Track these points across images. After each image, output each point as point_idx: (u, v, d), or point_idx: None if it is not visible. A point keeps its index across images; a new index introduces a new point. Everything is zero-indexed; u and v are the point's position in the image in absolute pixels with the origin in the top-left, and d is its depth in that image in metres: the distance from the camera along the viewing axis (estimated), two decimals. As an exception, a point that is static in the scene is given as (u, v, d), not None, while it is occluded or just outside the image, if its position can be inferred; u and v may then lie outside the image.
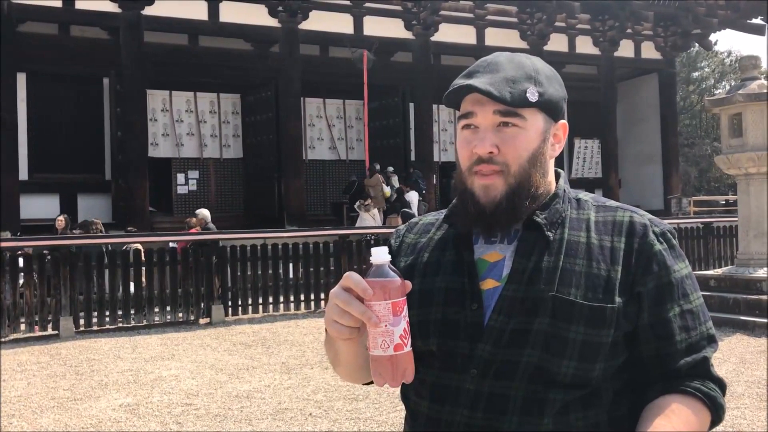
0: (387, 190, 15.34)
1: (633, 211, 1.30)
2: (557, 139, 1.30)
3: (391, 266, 1.14)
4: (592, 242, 1.25)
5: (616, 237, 1.26)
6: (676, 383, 1.22)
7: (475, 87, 1.21)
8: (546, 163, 1.29)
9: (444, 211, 1.40)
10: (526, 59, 1.28)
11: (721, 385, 1.26)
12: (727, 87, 13.76)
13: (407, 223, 1.46)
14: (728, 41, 61.47)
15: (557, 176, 1.35)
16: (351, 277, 1.12)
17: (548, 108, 1.26)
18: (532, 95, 1.22)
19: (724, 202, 24.07)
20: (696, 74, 36.28)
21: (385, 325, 1.10)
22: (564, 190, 1.32)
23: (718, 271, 9.99)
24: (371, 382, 1.40)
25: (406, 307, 1.12)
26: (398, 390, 1.38)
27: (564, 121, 1.31)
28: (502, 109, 1.22)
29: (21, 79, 14.04)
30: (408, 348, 1.13)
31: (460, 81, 1.25)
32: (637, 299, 1.22)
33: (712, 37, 19.70)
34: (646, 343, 1.23)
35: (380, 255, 1.13)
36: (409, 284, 1.15)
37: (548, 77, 1.27)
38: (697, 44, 20.81)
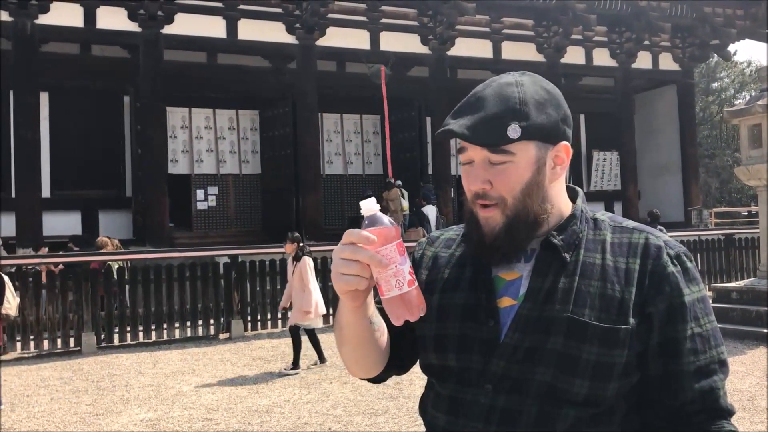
0: (404, 203, 15.36)
1: (649, 233, 1.30)
2: (560, 161, 1.29)
3: (381, 213, 1.19)
4: (608, 264, 1.26)
5: (631, 258, 1.26)
6: (686, 426, 1.22)
7: (453, 132, 1.23)
8: (544, 190, 1.27)
9: (464, 226, 1.41)
10: (515, 89, 1.25)
11: (730, 414, 1.25)
12: (747, 97, 13.62)
13: (428, 237, 1.48)
14: (748, 51, 61.03)
15: (575, 195, 1.35)
16: (352, 233, 1.17)
17: (540, 136, 1.25)
18: (514, 132, 1.21)
19: (746, 214, 23.82)
20: (715, 85, 36.02)
21: (395, 266, 1.15)
22: (581, 211, 1.32)
23: (740, 284, 9.87)
24: (377, 378, 1.42)
25: (405, 249, 1.18)
26: (417, 405, 1.39)
27: (566, 143, 1.29)
28: (488, 147, 1.24)
29: (44, 97, 14.26)
30: (417, 283, 1.18)
31: (446, 120, 1.27)
32: (648, 320, 1.23)
33: (731, 48, 19.59)
34: (655, 363, 1.23)
35: (370, 205, 1.19)
36: (400, 228, 1.19)
37: (539, 104, 1.25)
38: (715, 55, 20.67)
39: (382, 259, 1.14)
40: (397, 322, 1.19)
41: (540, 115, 1.24)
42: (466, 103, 1.27)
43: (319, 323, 8.38)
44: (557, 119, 1.27)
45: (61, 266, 10.48)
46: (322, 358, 8.31)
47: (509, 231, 1.25)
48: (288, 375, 7.73)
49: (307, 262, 8.25)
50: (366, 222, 1.18)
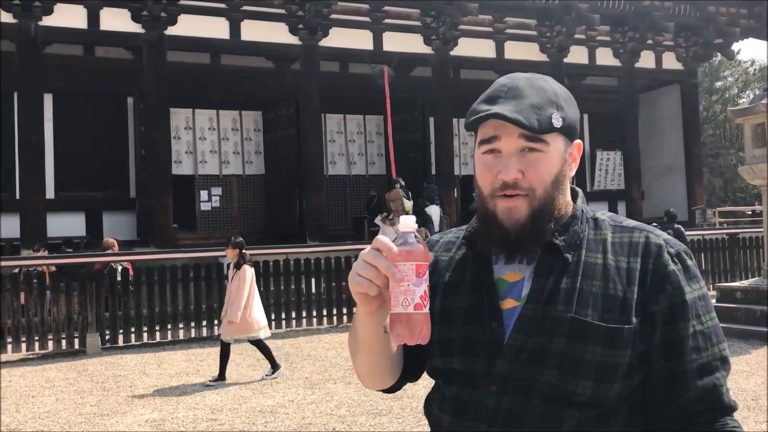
0: (408, 204, 15.35)
1: (649, 232, 1.31)
2: (573, 158, 1.32)
3: (417, 234, 1.20)
4: (609, 263, 1.26)
5: (632, 258, 1.27)
6: (690, 424, 1.22)
7: (503, 115, 1.22)
8: (567, 183, 1.31)
9: (464, 229, 1.41)
10: (543, 83, 1.29)
11: (733, 410, 1.26)
12: (751, 96, 13.58)
13: (427, 240, 1.48)
14: (752, 50, 60.84)
15: (575, 195, 1.36)
16: (379, 239, 1.18)
17: (568, 131, 1.28)
18: (557, 121, 1.24)
19: (750, 213, 23.74)
20: (719, 84, 35.95)
21: (408, 284, 1.16)
22: (582, 211, 1.33)
23: (745, 283, 9.86)
24: (391, 389, 1.43)
25: (427, 273, 1.18)
26: (421, 405, 1.40)
27: (579, 141, 1.32)
28: (528, 135, 1.23)
29: (47, 99, 14.29)
30: (426, 310, 1.17)
31: (482, 107, 1.26)
32: (650, 319, 1.23)
33: (735, 47, 19.50)
34: (657, 362, 1.24)
35: (408, 223, 1.20)
36: (431, 255, 1.20)
37: (566, 100, 1.29)
38: (719, 54, 20.62)
39: (396, 272, 1.15)
40: (395, 341, 1.19)
41: (569, 110, 1.28)
42: (498, 91, 1.27)
43: (263, 333, 7.83)
44: (578, 117, 1.31)
45: (53, 267, 10.48)
46: (222, 376, 7.55)
47: (535, 222, 1.25)
48: (269, 379, 7.42)
49: (247, 271, 7.70)
50: (399, 236, 1.19)
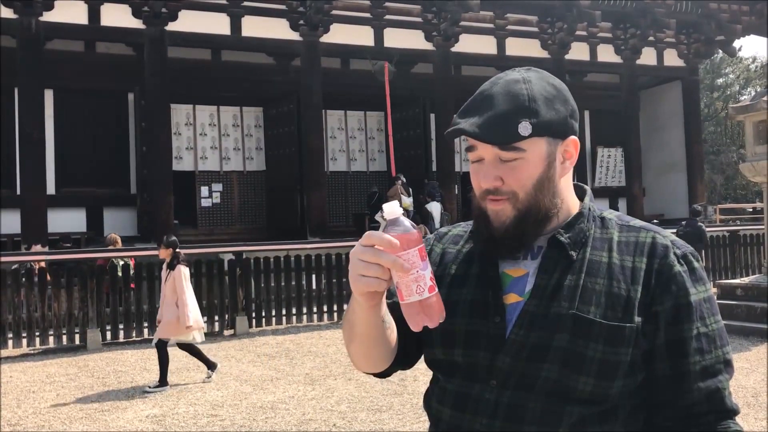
0: (408, 201, 15.34)
1: (656, 232, 1.31)
2: (568, 155, 1.30)
3: (404, 217, 1.17)
4: (614, 262, 1.27)
5: (637, 257, 1.27)
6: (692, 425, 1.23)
7: (464, 131, 1.23)
8: (555, 184, 1.28)
9: (472, 223, 1.42)
10: (522, 86, 1.25)
11: (735, 413, 1.26)
12: (753, 93, 13.57)
13: (436, 233, 1.49)
14: (753, 47, 60.73)
15: (582, 193, 1.36)
16: (373, 235, 1.16)
17: (550, 132, 1.26)
18: (525, 129, 1.22)
19: (751, 210, 23.72)
20: (720, 81, 35.92)
21: (417, 271, 1.14)
22: (589, 209, 1.33)
23: (745, 280, 9.87)
24: (383, 373, 1.43)
25: (426, 252, 1.17)
26: (421, 400, 1.40)
27: (574, 137, 1.30)
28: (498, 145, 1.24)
29: (48, 95, 14.30)
30: (437, 289, 1.17)
31: (456, 119, 1.27)
32: (654, 319, 1.23)
33: (737, 43, 19.48)
34: (661, 362, 1.24)
35: (393, 208, 1.17)
36: (421, 230, 1.18)
37: (548, 100, 1.25)
38: (720, 51, 20.60)
39: (404, 263, 1.13)
40: (416, 328, 1.18)
41: (549, 111, 1.25)
42: (474, 101, 1.27)
43: (198, 337, 7.54)
44: (566, 114, 1.28)
45: (42, 263, 10.46)
46: (211, 366, 7.48)
47: (519, 224, 1.26)
48: (154, 392, 6.98)
49: (182, 271, 7.38)
50: (388, 225, 1.16)
